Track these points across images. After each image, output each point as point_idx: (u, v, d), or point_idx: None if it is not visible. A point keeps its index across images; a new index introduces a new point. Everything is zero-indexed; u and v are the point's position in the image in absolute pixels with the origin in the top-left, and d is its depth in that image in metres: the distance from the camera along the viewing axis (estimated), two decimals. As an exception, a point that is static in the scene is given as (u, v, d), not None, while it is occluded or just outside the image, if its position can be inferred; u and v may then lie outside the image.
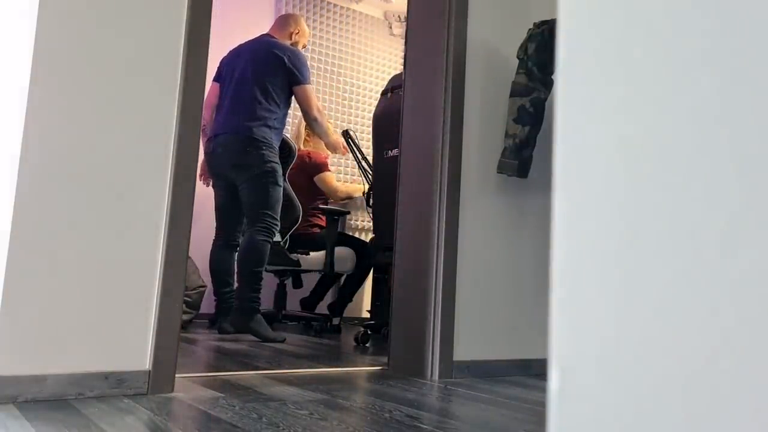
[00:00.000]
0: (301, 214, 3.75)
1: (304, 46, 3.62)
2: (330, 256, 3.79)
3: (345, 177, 5.07)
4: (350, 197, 4.24)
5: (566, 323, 0.46)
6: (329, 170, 4.12)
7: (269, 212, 3.20)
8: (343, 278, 4.14)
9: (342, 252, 3.87)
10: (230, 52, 3.47)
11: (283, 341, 3.20)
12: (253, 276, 3.16)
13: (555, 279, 0.47)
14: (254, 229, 3.17)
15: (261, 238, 3.17)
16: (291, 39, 3.53)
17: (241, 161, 3.16)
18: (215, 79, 3.47)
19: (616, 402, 0.42)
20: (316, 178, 4.01)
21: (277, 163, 3.24)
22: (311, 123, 3.41)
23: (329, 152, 4.05)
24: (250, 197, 3.19)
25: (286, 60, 3.27)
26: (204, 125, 3.42)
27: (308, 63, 5.28)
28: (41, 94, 1.61)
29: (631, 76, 0.44)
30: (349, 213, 4.38)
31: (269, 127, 3.21)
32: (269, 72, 3.25)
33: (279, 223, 3.28)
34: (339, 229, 4.11)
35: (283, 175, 3.67)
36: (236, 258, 3.33)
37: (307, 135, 4.18)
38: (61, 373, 1.58)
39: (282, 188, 3.28)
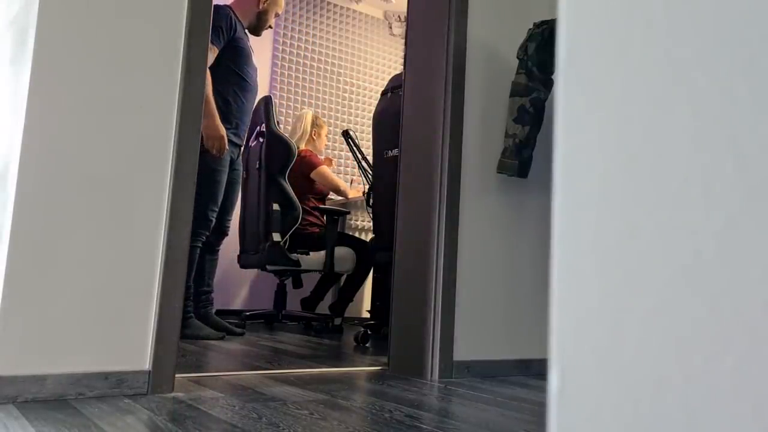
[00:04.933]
0: (301, 213, 3.75)
1: (277, 15, 3.32)
2: (330, 256, 3.79)
3: (345, 177, 5.06)
4: (346, 195, 4.24)
5: (566, 323, 0.46)
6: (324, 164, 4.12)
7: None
8: (343, 278, 4.13)
9: (342, 252, 3.87)
10: None
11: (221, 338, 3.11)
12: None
13: (555, 279, 0.47)
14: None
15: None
16: (259, 7, 3.21)
17: None
18: None
19: (616, 402, 0.42)
20: (313, 174, 3.98)
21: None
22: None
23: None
24: None
25: None
26: None
27: (307, 62, 5.28)
28: (41, 94, 1.61)
29: (631, 75, 0.44)
30: (349, 213, 4.38)
31: None
32: None
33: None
34: (339, 229, 4.11)
35: (283, 175, 3.67)
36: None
37: (313, 134, 4.15)
38: (61, 373, 1.58)
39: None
